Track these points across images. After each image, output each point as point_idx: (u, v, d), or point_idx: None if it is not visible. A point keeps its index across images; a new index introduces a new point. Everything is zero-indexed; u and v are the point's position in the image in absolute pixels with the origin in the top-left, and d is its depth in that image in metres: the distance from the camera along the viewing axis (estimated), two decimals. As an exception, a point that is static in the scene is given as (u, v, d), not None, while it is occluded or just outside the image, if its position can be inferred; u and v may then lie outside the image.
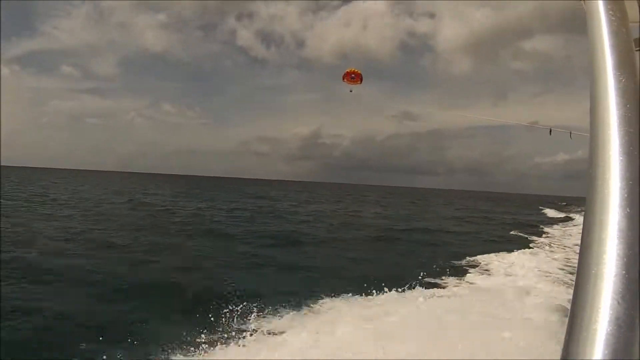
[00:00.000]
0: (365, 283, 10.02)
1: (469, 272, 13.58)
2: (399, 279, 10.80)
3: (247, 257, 15.56)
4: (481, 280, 12.61)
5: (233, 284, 10.66)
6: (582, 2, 0.98)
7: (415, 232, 25.21)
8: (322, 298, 9.89)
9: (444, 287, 11.51)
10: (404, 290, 10.16)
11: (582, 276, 0.59)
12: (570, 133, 8.36)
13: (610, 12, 0.83)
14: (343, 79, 14.67)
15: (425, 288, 10.80)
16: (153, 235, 19.19)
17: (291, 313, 8.79)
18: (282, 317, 8.63)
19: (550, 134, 8.97)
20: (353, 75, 14.83)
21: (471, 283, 12.32)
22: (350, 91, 14.53)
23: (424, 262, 14.01)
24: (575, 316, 0.56)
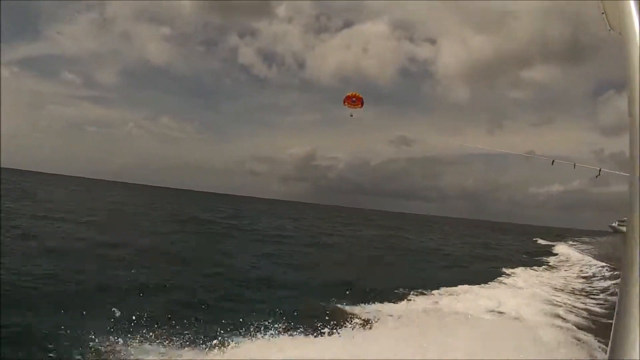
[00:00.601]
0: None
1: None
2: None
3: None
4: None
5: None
6: (609, 24, 1.00)
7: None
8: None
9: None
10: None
11: (626, 280, 0.60)
12: (575, 165, 8.15)
13: None
14: (344, 102, 14.61)
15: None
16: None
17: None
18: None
19: (553, 164, 8.84)
20: (354, 99, 14.80)
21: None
22: (351, 115, 14.41)
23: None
24: (622, 305, 0.59)
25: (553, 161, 8.61)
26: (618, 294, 0.61)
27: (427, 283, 14.72)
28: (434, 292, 13.58)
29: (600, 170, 8.24)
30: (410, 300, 12.53)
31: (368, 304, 11.32)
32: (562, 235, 67.46)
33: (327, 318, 9.61)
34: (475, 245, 40.06)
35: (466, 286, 14.50)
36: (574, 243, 46.41)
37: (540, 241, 49.50)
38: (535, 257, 28.89)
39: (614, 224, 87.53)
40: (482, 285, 15.48)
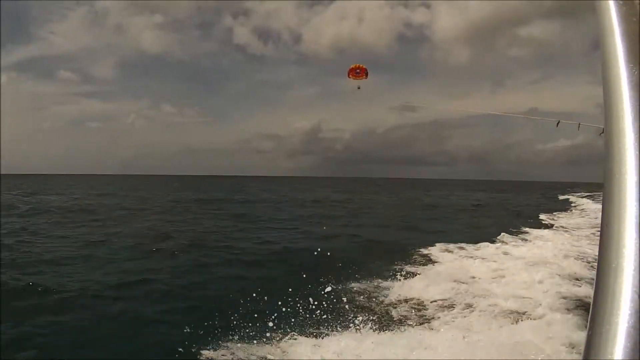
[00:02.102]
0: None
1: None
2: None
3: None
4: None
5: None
6: None
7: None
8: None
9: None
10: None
11: (602, 270, 0.59)
12: (579, 125, 8.36)
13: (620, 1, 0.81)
14: (348, 75, 14.49)
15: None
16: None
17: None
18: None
19: (558, 125, 8.88)
20: (358, 71, 14.66)
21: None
22: (358, 87, 14.34)
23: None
24: (597, 310, 0.57)
25: (558, 122, 8.72)
26: (594, 287, 0.60)
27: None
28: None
29: (603, 129, 8.36)
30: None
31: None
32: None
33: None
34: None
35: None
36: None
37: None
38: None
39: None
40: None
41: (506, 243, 16.41)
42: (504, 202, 47.28)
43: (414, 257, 13.85)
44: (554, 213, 29.09)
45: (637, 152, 0.64)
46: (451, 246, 15.34)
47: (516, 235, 18.28)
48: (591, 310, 0.58)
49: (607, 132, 0.69)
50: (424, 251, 14.55)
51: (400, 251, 14.50)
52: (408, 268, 12.01)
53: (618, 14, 0.77)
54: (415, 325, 8.01)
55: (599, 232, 0.63)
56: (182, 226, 22.36)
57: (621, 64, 0.72)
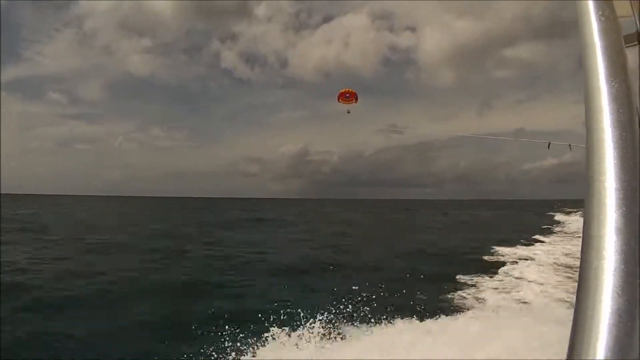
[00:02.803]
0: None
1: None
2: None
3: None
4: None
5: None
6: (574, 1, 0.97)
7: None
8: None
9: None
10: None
11: (584, 271, 0.63)
12: (570, 145, 8.39)
13: (600, 12, 0.84)
14: (338, 99, 14.54)
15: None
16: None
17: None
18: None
19: (549, 147, 8.96)
20: (348, 95, 14.72)
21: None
22: (348, 112, 14.43)
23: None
24: (579, 309, 0.60)
25: (549, 144, 8.81)
26: (576, 289, 0.63)
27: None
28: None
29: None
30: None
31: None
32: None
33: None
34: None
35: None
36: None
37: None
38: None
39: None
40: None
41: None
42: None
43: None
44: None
45: (615, 161, 0.69)
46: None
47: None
48: (574, 310, 0.61)
49: (588, 142, 0.74)
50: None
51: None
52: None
53: (599, 30, 0.82)
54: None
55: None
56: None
57: (601, 78, 0.77)
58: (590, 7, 0.86)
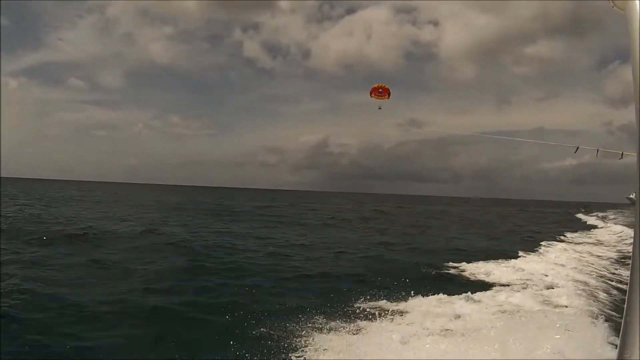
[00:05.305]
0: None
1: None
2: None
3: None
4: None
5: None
6: (613, 2, 0.96)
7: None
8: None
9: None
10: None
11: (635, 271, 0.62)
12: (597, 151, 8.05)
13: None
14: (370, 94, 13.96)
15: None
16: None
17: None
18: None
19: (576, 152, 8.62)
20: (380, 90, 14.15)
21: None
22: (379, 108, 13.80)
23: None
24: (630, 308, 0.60)
25: (577, 148, 8.51)
26: (627, 289, 0.59)
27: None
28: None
29: (622, 154, 7.82)
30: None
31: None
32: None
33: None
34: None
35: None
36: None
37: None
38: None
39: (631, 196, 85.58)
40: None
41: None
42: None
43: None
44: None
45: None
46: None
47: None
48: (625, 310, 0.61)
49: None
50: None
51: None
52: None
53: None
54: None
55: None
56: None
57: None
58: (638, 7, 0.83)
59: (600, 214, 53.44)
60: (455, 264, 14.87)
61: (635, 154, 0.79)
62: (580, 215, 53.69)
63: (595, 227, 35.24)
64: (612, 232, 29.19)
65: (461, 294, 10.11)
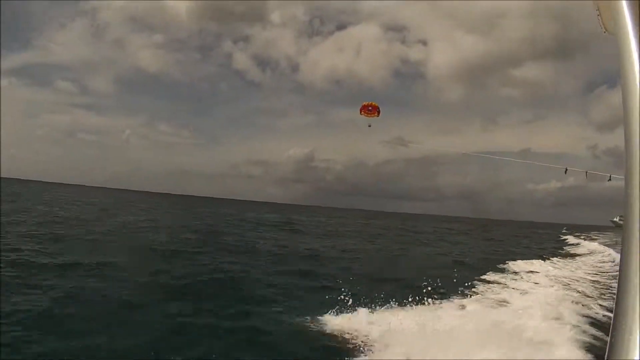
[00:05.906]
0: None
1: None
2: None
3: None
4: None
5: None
6: (604, 27, 0.98)
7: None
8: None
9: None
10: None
11: (624, 282, 0.63)
12: (587, 173, 8.58)
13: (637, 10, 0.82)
14: (360, 112, 14.24)
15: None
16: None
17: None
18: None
19: (566, 173, 9.16)
20: (370, 108, 14.41)
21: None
22: (369, 125, 14.02)
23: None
24: (619, 311, 0.62)
25: (566, 170, 8.99)
26: (616, 292, 0.63)
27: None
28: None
29: (610, 176, 8.15)
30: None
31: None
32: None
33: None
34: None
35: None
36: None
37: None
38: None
39: (615, 219, 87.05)
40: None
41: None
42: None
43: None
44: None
45: None
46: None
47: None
48: (614, 311, 0.63)
49: (627, 164, 0.73)
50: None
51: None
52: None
53: (633, 23, 0.79)
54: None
55: None
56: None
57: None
58: (625, 6, 0.84)
59: (583, 235, 54.31)
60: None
61: (622, 177, 0.79)
62: (564, 236, 54.51)
63: (578, 244, 36.80)
64: (592, 250, 31.41)
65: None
